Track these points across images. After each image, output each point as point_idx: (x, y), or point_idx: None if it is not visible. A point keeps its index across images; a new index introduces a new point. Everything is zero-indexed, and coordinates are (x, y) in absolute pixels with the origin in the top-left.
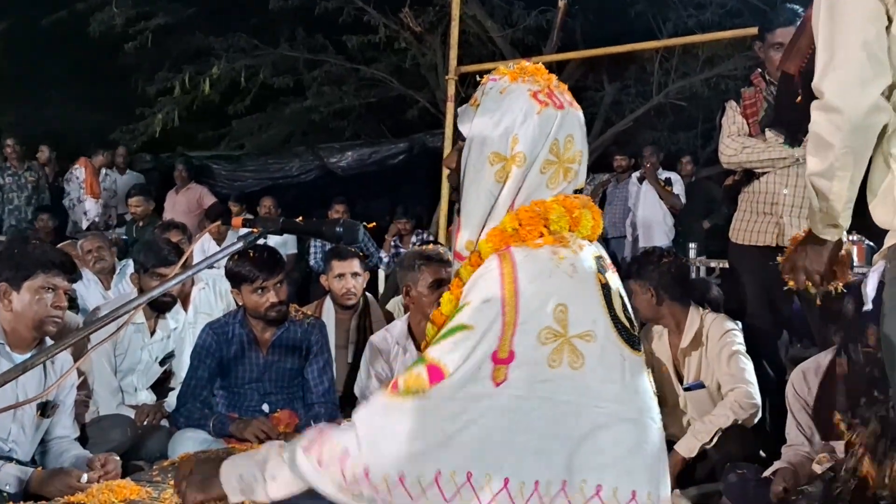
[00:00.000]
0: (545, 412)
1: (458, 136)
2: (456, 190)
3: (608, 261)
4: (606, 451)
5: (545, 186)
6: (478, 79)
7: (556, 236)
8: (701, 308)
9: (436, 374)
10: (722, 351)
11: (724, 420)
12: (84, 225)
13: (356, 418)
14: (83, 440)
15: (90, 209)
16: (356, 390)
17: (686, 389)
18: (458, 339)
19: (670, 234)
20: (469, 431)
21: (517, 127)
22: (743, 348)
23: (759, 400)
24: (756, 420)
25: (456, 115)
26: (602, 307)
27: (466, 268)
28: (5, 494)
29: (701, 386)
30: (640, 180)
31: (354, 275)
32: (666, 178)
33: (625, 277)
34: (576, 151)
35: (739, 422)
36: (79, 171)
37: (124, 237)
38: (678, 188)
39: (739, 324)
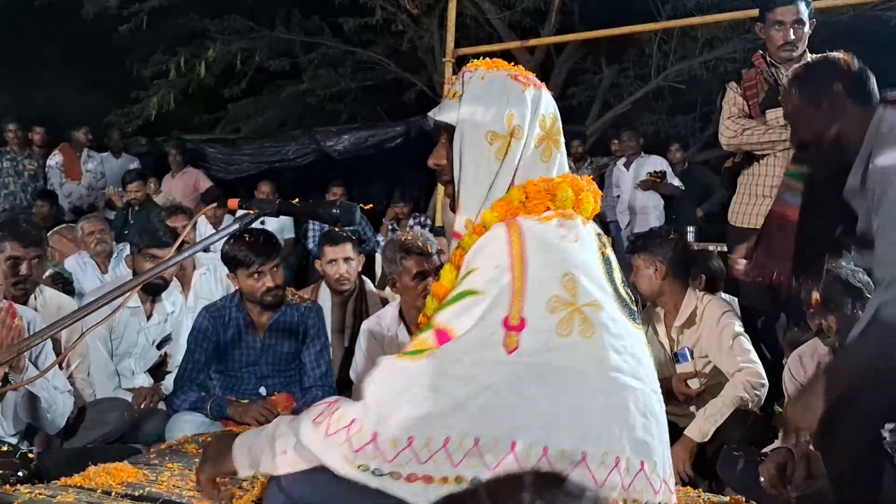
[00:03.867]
0: (558, 380)
1: (436, 134)
2: (448, 183)
3: (605, 238)
4: (620, 420)
5: (540, 161)
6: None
7: (563, 211)
8: (697, 290)
9: (444, 337)
10: (722, 333)
11: (736, 400)
12: (66, 208)
13: (364, 386)
14: (80, 423)
15: (72, 193)
16: (352, 374)
17: (675, 361)
18: (467, 303)
19: (661, 219)
20: (481, 398)
21: (509, 105)
22: (742, 329)
23: (766, 380)
24: (762, 402)
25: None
26: (606, 280)
27: (471, 237)
28: (31, 456)
29: (686, 357)
30: (627, 166)
31: (347, 259)
32: (661, 172)
33: (628, 253)
34: (558, 127)
35: (750, 402)
36: (57, 157)
37: (109, 219)
38: (675, 180)
39: (735, 300)
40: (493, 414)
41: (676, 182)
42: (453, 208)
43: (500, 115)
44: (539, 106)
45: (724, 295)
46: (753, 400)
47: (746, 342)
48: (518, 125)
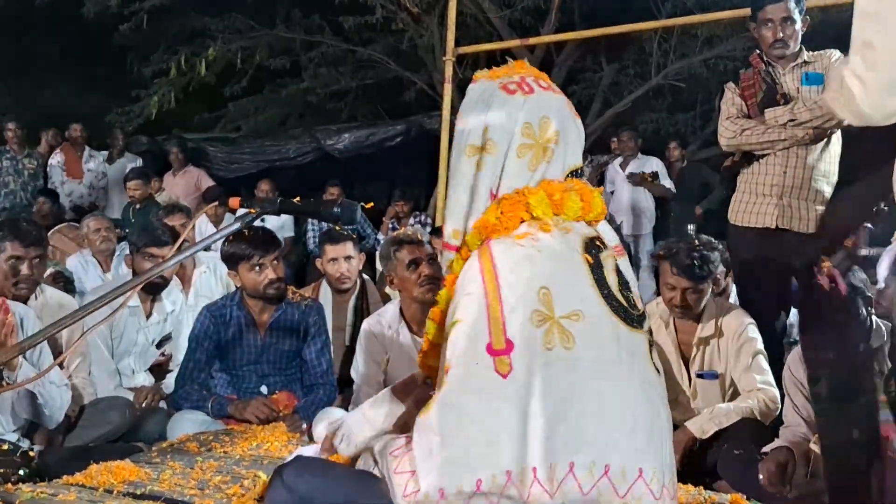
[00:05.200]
0: (548, 396)
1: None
2: None
3: (611, 241)
4: (608, 429)
5: (526, 170)
6: (478, 60)
7: (539, 222)
8: (715, 298)
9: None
10: (742, 348)
11: (746, 411)
12: (67, 207)
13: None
14: (82, 421)
15: (73, 192)
16: (353, 373)
17: (699, 376)
18: (454, 335)
19: (652, 220)
20: (493, 432)
21: (487, 117)
22: (762, 346)
23: (780, 404)
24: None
25: (453, 97)
26: (591, 286)
27: (459, 262)
28: (31, 454)
29: (715, 376)
30: (623, 166)
31: (348, 258)
32: (653, 172)
33: (686, 277)
34: (553, 132)
35: (758, 417)
36: (58, 157)
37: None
38: (667, 182)
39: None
40: (511, 444)
41: (668, 184)
42: None
43: (478, 127)
44: (521, 114)
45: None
46: (763, 418)
47: (765, 361)
48: (490, 138)
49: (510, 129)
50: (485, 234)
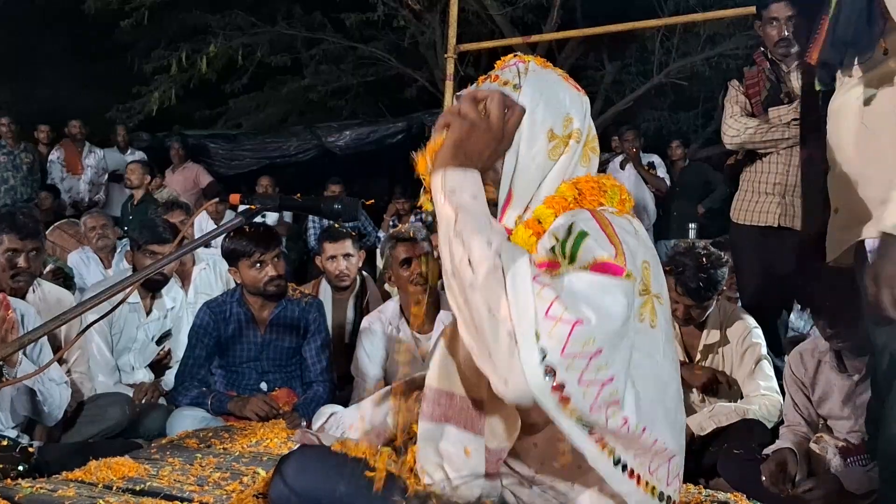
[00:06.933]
0: (643, 363)
1: None
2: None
3: None
4: (675, 410)
5: (579, 164)
6: (479, 58)
7: (620, 209)
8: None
9: (608, 267)
10: (746, 353)
11: (749, 414)
12: (68, 204)
13: (562, 287)
14: (81, 417)
15: (72, 187)
16: (353, 371)
17: None
18: (593, 242)
19: (652, 218)
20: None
21: (569, 107)
22: (766, 351)
23: (782, 411)
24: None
25: (455, 95)
26: (663, 273)
27: (524, 231)
28: (31, 450)
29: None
30: (622, 166)
31: (347, 256)
32: (649, 163)
33: (693, 298)
34: (595, 134)
35: (759, 419)
36: (58, 152)
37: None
38: (661, 171)
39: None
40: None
41: (662, 173)
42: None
43: (559, 115)
44: (588, 112)
45: None
46: (764, 423)
47: (769, 367)
48: (577, 128)
49: (585, 124)
50: (563, 209)
